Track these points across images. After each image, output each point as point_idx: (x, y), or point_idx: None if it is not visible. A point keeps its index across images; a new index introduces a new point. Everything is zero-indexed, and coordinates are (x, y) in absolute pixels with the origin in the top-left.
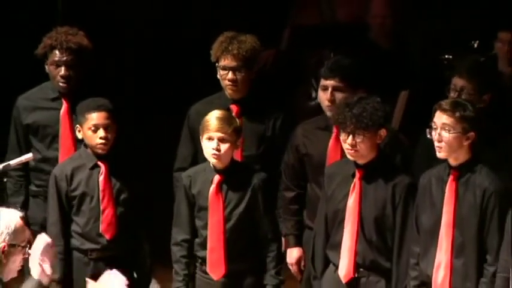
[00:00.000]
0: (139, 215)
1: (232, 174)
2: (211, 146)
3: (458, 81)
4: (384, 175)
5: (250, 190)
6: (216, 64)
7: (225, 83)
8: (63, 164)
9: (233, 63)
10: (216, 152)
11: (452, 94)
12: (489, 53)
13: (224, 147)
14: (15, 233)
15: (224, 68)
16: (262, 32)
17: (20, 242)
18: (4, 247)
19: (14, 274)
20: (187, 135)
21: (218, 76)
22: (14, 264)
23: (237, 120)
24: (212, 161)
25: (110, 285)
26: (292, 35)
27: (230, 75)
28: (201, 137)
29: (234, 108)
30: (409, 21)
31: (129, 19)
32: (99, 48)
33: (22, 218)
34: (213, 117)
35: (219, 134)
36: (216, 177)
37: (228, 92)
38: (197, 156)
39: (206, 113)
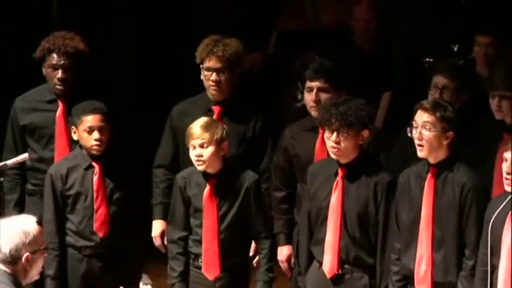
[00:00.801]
0: (132, 214)
1: (225, 177)
2: (194, 153)
3: (440, 80)
4: (366, 174)
5: (243, 191)
6: (201, 66)
7: (209, 83)
8: (59, 163)
9: (217, 65)
10: (200, 159)
11: (433, 92)
12: (468, 56)
13: (206, 152)
14: (35, 239)
15: (208, 69)
16: (250, 36)
17: (39, 246)
18: (28, 256)
19: (37, 277)
20: (169, 134)
21: (202, 77)
22: (37, 268)
23: (220, 124)
24: (199, 168)
25: None
26: (278, 39)
27: (214, 76)
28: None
29: (216, 109)
30: (392, 25)
31: (122, 24)
32: (94, 51)
33: (37, 222)
34: (195, 126)
35: (199, 141)
36: (208, 184)
37: (211, 92)
38: (178, 155)
39: (188, 113)
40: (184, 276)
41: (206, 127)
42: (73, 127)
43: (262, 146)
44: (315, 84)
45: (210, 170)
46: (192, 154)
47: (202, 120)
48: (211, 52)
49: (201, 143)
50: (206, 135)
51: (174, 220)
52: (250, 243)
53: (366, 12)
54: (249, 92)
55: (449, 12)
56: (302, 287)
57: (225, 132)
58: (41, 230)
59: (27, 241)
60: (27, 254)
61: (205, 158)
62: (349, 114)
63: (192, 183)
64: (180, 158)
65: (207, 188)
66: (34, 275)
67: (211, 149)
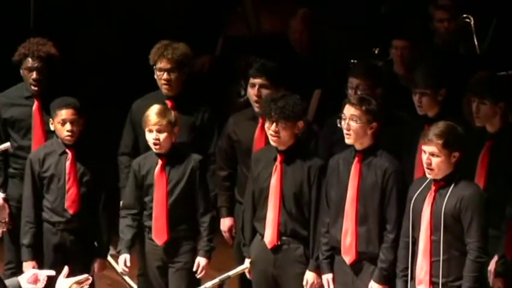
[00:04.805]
0: (99, 195)
1: (174, 157)
2: (152, 136)
3: (353, 80)
4: (300, 159)
5: (189, 170)
6: (154, 67)
7: (161, 82)
8: (38, 149)
9: (168, 66)
10: (156, 142)
11: (350, 91)
12: (387, 58)
13: (162, 136)
14: None
15: (160, 70)
16: (200, 41)
17: (1, 218)
18: None
19: None
20: (130, 126)
21: (155, 77)
22: None
23: (172, 112)
24: (154, 149)
25: None
26: (225, 44)
27: (165, 75)
28: (144, 129)
29: (168, 103)
30: (323, 34)
31: (95, 29)
32: (66, 53)
33: (3, 198)
34: (152, 113)
35: (157, 127)
36: (160, 161)
37: (164, 90)
38: (138, 143)
39: (146, 108)
40: (130, 245)
41: (163, 114)
42: (50, 119)
43: (210, 133)
44: (257, 81)
45: (162, 151)
46: (150, 137)
47: (156, 108)
48: (162, 55)
49: (158, 128)
50: (164, 122)
51: (126, 199)
52: (196, 219)
53: (299, 25)
54: (200, 88)
55: (371, 20)
56: (246, 257)
57: (176, 118)
58: (4, 204)
59: None
60: None
61: (161, 140)
62: (286, 108)
63: (145, 166)
64: (139, 146)
65: (159, 165)
66: None
67: (166, 133)
